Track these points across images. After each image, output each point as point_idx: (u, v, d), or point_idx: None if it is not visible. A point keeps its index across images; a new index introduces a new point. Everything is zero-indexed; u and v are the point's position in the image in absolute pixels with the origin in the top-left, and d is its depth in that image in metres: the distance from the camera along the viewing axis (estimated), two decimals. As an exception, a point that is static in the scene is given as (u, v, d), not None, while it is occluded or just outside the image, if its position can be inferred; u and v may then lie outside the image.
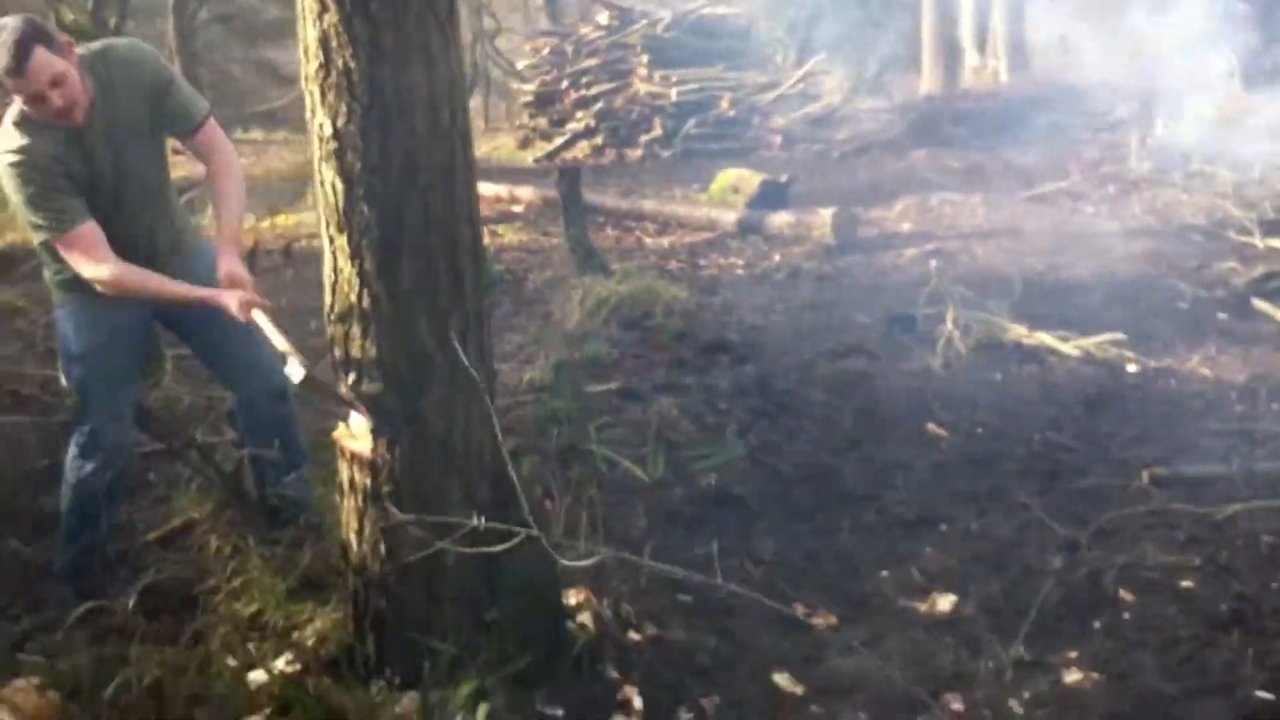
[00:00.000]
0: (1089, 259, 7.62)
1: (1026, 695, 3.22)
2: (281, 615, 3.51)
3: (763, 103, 15.07)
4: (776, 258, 8.21)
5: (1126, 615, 3.58)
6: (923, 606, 3.71)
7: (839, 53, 20.79)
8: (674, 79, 14.95)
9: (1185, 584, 3.73)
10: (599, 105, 15.62)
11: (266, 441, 4.02)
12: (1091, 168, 10.50)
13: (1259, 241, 7.77)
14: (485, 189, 8.67)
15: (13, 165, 3.43)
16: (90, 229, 3.49)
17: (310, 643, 3.36)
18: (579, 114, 15.91)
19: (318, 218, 3.05)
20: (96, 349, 3.72)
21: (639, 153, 14.89)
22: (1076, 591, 3.71)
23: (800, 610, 3.67)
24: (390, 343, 3.00)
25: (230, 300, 3.51)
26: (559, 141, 16.02)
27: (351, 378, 3.06)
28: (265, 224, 10.01)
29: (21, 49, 3.28)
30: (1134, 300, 6.65)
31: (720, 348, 6.16)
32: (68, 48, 3.40)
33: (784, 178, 10.13)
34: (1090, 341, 5.73)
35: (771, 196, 9.55)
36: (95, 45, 3.60)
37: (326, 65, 2.83)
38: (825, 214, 8.34)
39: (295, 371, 3.17)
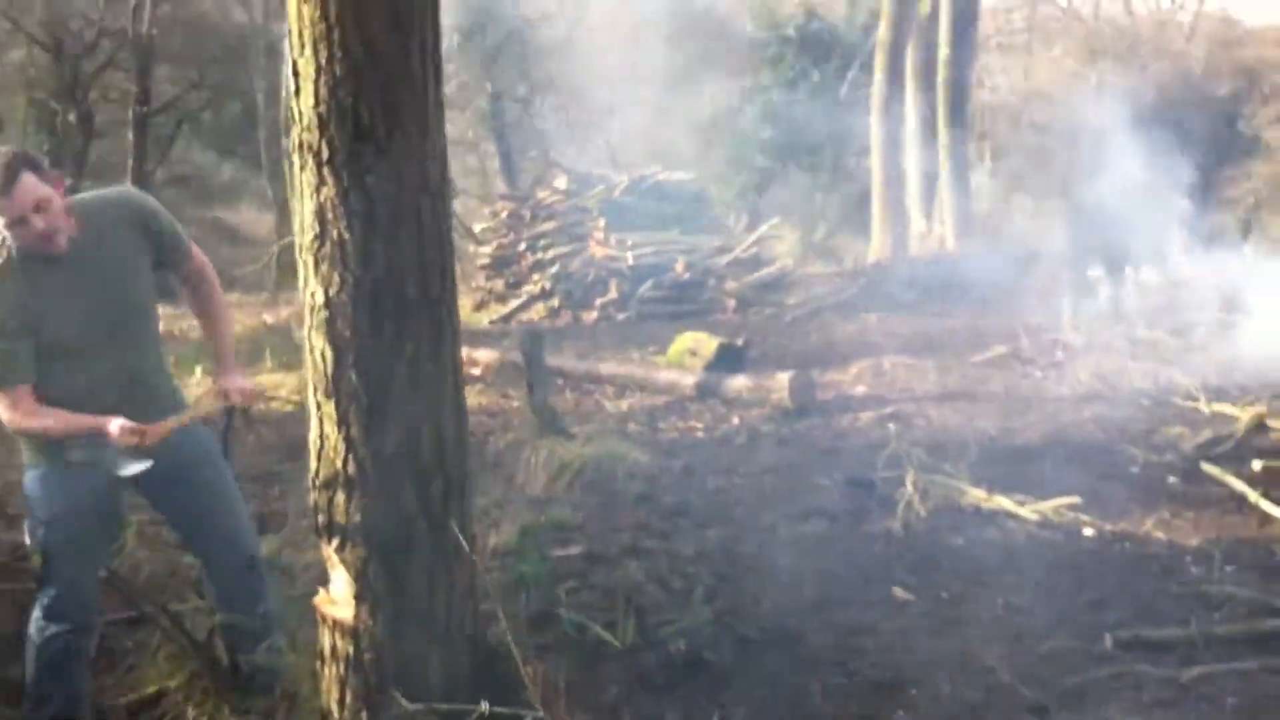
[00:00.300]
0: (1041, 423, 7.78)
1: None
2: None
3: (717, 266, 15.35)
4: (735, 420, 8.32)
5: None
6: (897, 773, 3.72)
7: (788, 218, 21.37)
8: (630, 242, 15.22)
9: (1154, 748, 3.77)
10: (555, 268, 15.86)
11: (237, 609, 4.01)
12: (1037, 333, 10.73)
13: (1204, 407, 7.96)
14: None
15: None
16: (26, 391, 3.57)
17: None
18: (535, 276, 16.14)
19: (304, 383, 3.11)
20: (65, 513, 3.71)
21: (595, 315, 15.08)
22: (1049, 756, 3.74)
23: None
24: (374, 508, 3.04)
25: (112, 427, 3.54)
26: (515, 304, 16.21)
27: (335, 543, 3.09)
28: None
29: (9, 171, 3.38)
30: (1087, 464, 6.77)
31: (683, 511, 6.21)
32: (58, 181, 3.52)
33: (740, 341, 10.30)
34: (1047, 506, 5.83)
35: (728, 359, 9.69)
36: (87, 194, 3.71)
37: (321, 237, 2.93)
38: (783, 378, 8.47)
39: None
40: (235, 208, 32.09)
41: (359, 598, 3.08)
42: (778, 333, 12.90)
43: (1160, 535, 5.66)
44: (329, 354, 2.98)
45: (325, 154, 2.88)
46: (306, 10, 2.84)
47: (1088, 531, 5.70)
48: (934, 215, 18.67)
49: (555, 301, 15.78)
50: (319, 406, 3.04)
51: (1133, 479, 6.58)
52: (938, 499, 6.01)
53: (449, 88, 16.83)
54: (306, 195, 2.93)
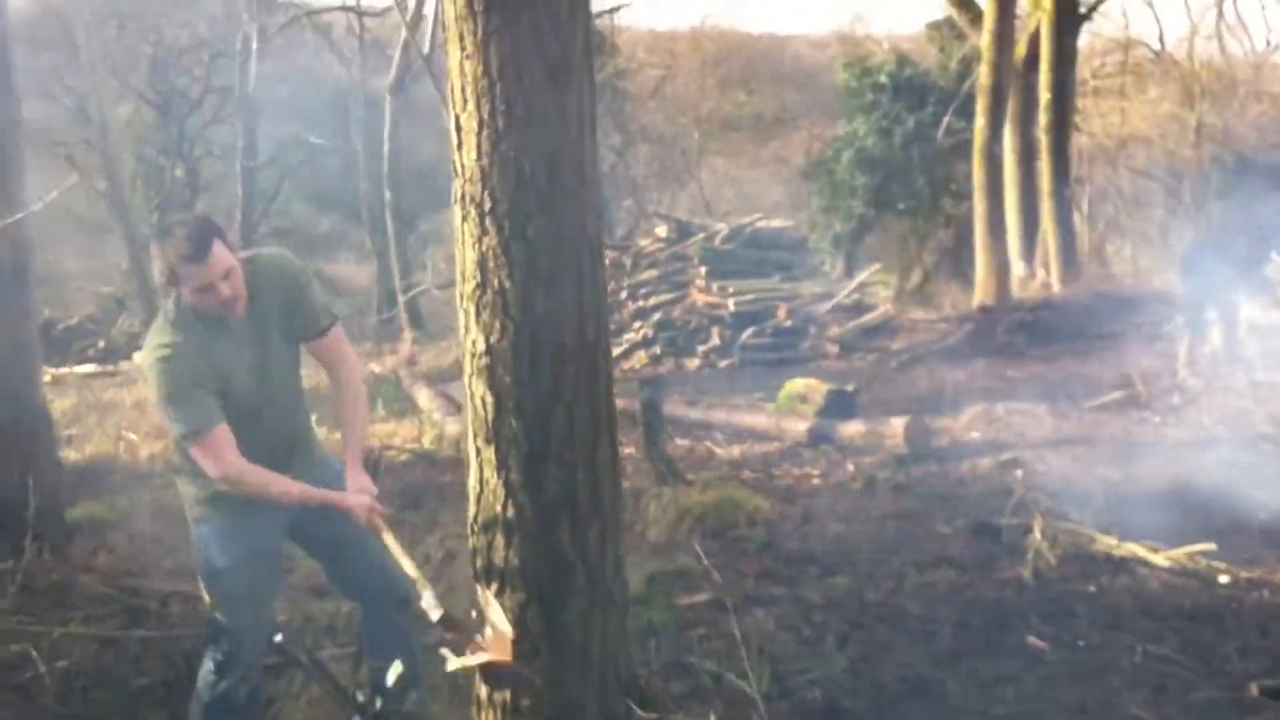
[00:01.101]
0: (1164, 469, 7.64)
1: None
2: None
3: (818, 313, 15.32)
4: (850, 467, 8.27)
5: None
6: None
7: (884, 265, 21.29)
8: (731, 289, 15.26)
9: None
10: (657, 315, 15.92)
11: (386, 651, 4.06)
12: (1152, 377, 10.55)
13: (1335, 451, 7.78)
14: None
15: (161, 360, 3.59)
16: (223, 430, 3.59)
17: None
18: (637, 324, 16.21)
19: (464, 431, 3.16)
20: (240, 565, 3.79)
21: (697, 362, 15.12)
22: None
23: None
24: (533, 553, 3.08)
25: (354, 502, 3.61)
26: (617, 351, 16.28)
27: (494, 587, 3.12)
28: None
29: (204, 239, 3.49)
30: (1214, 511, 6.64)
31: (807, 559, 6.19)
32: (235, 246, 3.61)
33: (850, 387, 10.26)
34: (1181, 552, 5.73)
35: (839, 405, 9.65)
36: (244, 252, 3.79)
37: (483, 285, 2.98)
38: (898, 423, 8.42)
39: (432, 609, 3.25)
40: (335, 259, 32.68)
41: (517, 642, 3.10)
42: (884, 379, 12.82)
43: (1299, 582, 5.53)
44: (489, 400, 3.03)
45: (488, 205, 2.94)
46: (469, 66, 2.91)
47: (1223, 579, 5.58)
48: (1035, 259, 18.48)
49: (658, 349, 15.83)
50: (479, 452, 3.08)
51: (1264, 526, 6.43)
52: (1066, 546, 5.92)
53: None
54: (469, 245, 2.99)
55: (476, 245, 2.97)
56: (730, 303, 15.20)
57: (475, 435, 3.08)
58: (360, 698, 4.11)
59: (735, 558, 6.29)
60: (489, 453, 3.06)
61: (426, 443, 10.17)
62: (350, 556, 4.02)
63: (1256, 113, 28.68)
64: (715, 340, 15.15)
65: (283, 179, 31.64)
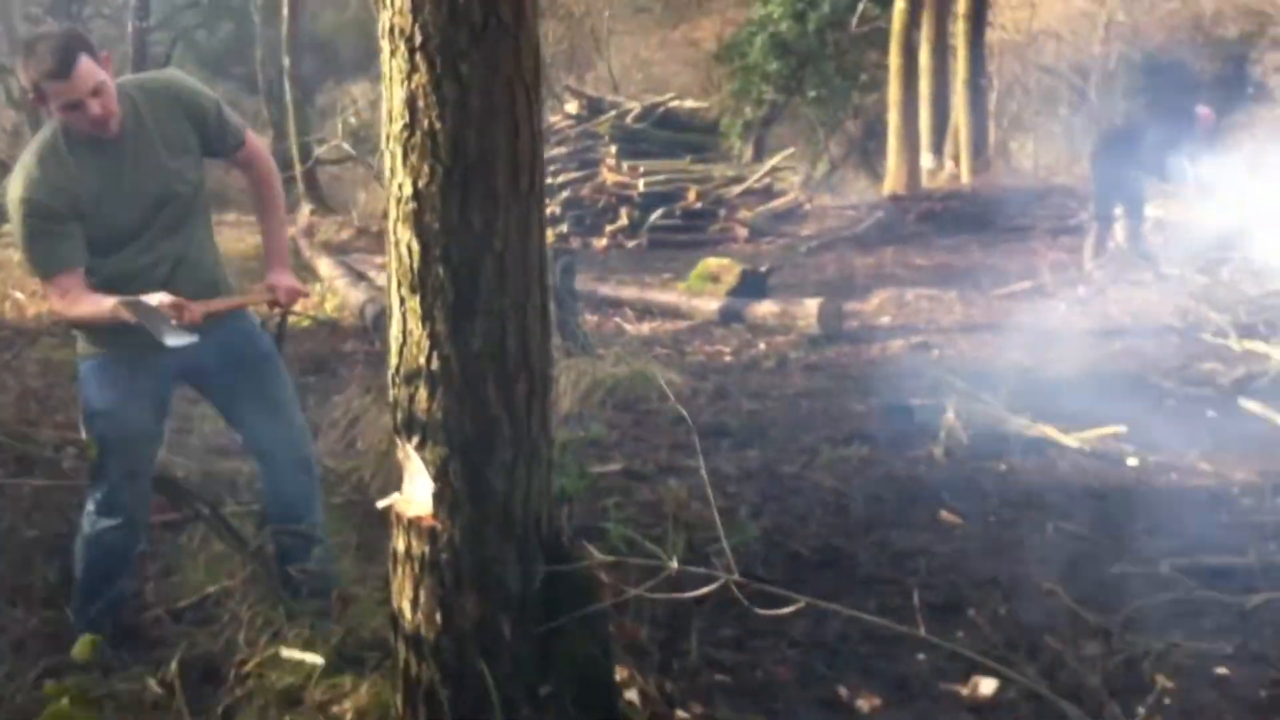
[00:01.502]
0: (1072, 356, 7.72)
1: (1081, 779, 3.20)
2: (318, 689, 3.42)
3: (728, 196, 15.23)
4: (762, 346, 8.25)
5: (1168, 701, 3.57)
6: (964, 690, 3.68)
7: (792, 152, 21.20)
8: (642, 169, 15.09)
9: (1220, 670, 3.73)
10: (565, 194, 15.72)
11: (290, 510, 3.96)
12: (1059, 269, 10.65)
13: (1235, 344, 7.90)
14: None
15: (21, 200, 3.42)
16: (74, 276, 3.47)
17: (349, 717, 3.28)
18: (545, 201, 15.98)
19: (388, 280, 3.03)
20: (117, 405, 3.64)
21: (604, 242, 14.99)
22: (1114, 677, 3.69)
23: (844, 692, 3.64)
24: (458, 406, 2.96)
25: (152, 299, 3.45)
26: (523, 228, 16.05)
27: (415, 440, 3.01)
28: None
29: (68, 53, 3.28)
30: (1122, 397, 6.71)
31: (720, 432, 6.17)
32: (106, 60, 3.41)
33: (764, 268, 10.22)
34: (1092, 434, 5.79)
35: (750, 286, 9.61)
36: (130, 77, 3.61)
37: (411, 126, 2.82)
38: (811, 304, 8.41)
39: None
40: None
41: (438, 496, 3.00)
42: (792, 264, 12.81)
43: (1206, 466, 5.62)
44: (415, 247, 2.88)
45: (418, 40, 2.76)
46: (401, -110, 2.72)
47: (1132, 461, 5.65)
48: (944, 151, 18.52)
49: (564, 228, 15.66)
50: (402, 301, 2.94)
51: (1170, 412, 6.53)
52: (978, 426, 5.95)
53: None
54: (396, 83, 2.82)
55: (405, 83, 2.79)
56: (640, 183, 15.07)
57: (399, 284, 2.93)
58: (261, 553, 4.02)
59: (648, 430, 6.25)
60: (414, 302, 2.92)
61: (329, 309, 9.99)
62: (253, 413, 3.89)
63: (1166, 11, 28.82)
64: (623, 220, 15.02)
65: (175, 42, 30.59)
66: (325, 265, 12.35)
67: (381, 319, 8.49)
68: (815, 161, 26.85)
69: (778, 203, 15.39)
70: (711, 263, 10.41)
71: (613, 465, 5.59)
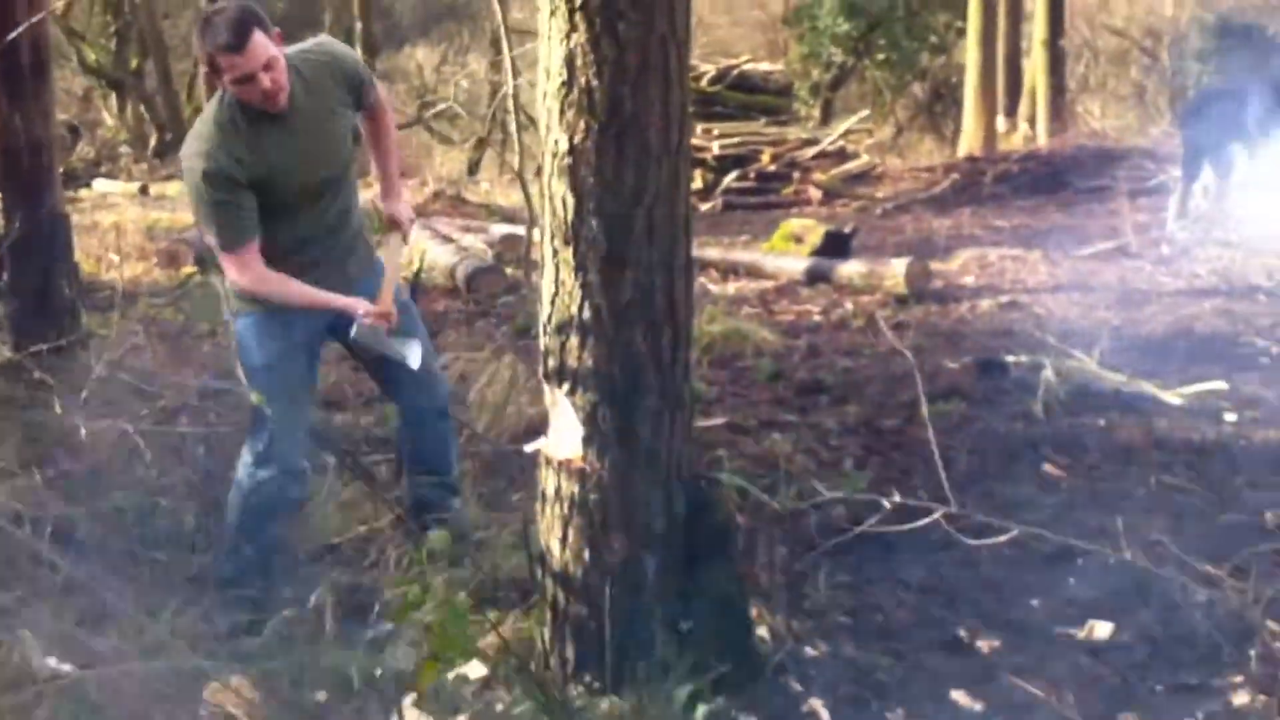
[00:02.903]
0: (1162, 315, 7.75)
1: (1200, 715, 3.31)
2: (464, 625, 3.58)
3: (802, 159, 15.26)
4: (849, 305, 8.33)
5: (1278, 645, 3.67)
6: (1080, 633, 3.80)
7: (866, 114, 21.12)
8: (716, 132, 15.15)
9: (1329, 618, 3.82)
10: (639, 156, 15.81)
11: (429, 459, 4.12)
12: (1141, 229, 10.63)
13: (1324, 303, 7.90)
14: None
15: (198, 169, 3.55)
16: (253, 247, 3.62)
17: (494, 652, 3.44)
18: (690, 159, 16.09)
19: (540, 233, 3.16)
20: (278, 359, 3.80)
21: (680, 204, 15.07)
22: (1225, 622, 3.79)
23: (964, 634, 3.77)
24: (607, 354, 3.11)
25: (360, 309, 3.73)
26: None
27: (565, 387, 3.16)
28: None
29: (243, 27, 3.41)
30: (1216, 354, 6.76)
31: (818, 388, 6.28)
32: (278, 36, 3.55)
33: (848, 228, 10.29)
34: (1191, 390, 5.84)
35: (834, 246, 9.69)
36: (291, 48, 3.73)
37: (569, 83, 2.96)
38: (898, 264, 8.48)
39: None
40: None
41: (587, 440, 3.15)
42: (869, 225, 12.84)
43: (1304, 423, 5.67)
44: (570, 200, 3.02)
45: (577, 0, 2.90)
46: None
47: (1229, 417, 5.70)
48: (1019, 112, 18.42)
49: (639, 190, 15.75)
50: (555, 253, 3.08)
51: (1266, 369, 6.55)
52: (1074, 383, 6.02)
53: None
54: (555, 41, 2.96)
55: (564, 41, 2.93)
56: (715, 145, 15.12)
57: (553, 236, 3.07)
58: (400, 503, 4.20)
59: (746, 386, 6.38)
60: (566, 254, 3.06)
61: (416, 270, 10.14)
62: (394, 363, 4.04)
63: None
64: (698, 183, 15.08)
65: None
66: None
67: (473, 278, 8.66)
68: (881, 124, 26.69)
69: (852, 165, 15.41)
70: (794, 223, 10.48)
71: (716, 420, 5.71)
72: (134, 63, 26.38)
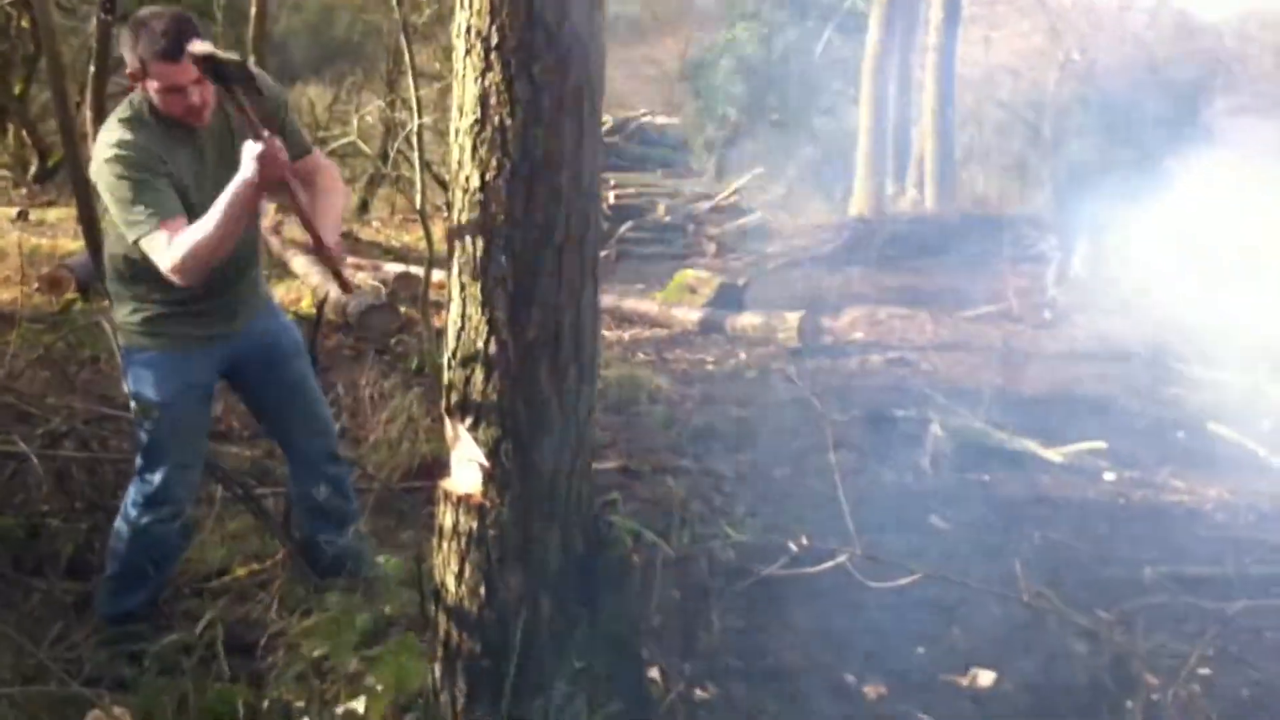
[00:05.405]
0: (1044, 376, 7.97)
1: (1081, 766, 3.39)
2: (351, 659, 3.55)
3: (698, 212, 15.42)
4: (743, 356, 8.43)
5: (1155, 697, 3.77)
6: (964, 681, 3.87)
7: (760, 171, 21.41)
8: (612, 182, 15.25)
9: (1204, 671, 3.94)
10: (535, 203, 15.84)
11: (321, 500, 4.05)
12: (1023, 294, 10.92)
13: (1199, 369, 8.17)
14: (437, 275, 8.70)
15: (118, 157, 3.38)
16: (181, 222, 3.40)
17: (383, 687, 3.41)
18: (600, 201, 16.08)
19: (449, 267, 3.16)
20: (174, 398, 3.67)
21: (574, 252, 15.12)
22: (1104, 674, 3.89)
23: (850, 679, 3.82)
24: (512, 390, 3.11)
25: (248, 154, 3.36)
26: (494, 236, 16.15)
27: (468, 422, 3.16)
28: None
29: (182, 37, 3.28)
30: (1094, 416, 6.96)
31: (712, 435, 6.33)
32: None
33: (741, 280, 10.41)
34: (1072, 449, 6.01)
35: (728, 298, 9.80)
36: None
37: (483, 121, 2.97)
38: (792, 317, 8.60)
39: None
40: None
41: (488, 475, 3.14)
42: (760, 280, 12.98)
43: (1179, 484, 5.85)
44: (479, 237, 3.03)
45: (494, 40, 2.92)
46: (485, -102, 2.88)
47: (1109, 475, 5.88)
48: (907, 176, 18.82)
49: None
50: (463, 288, 3.08)
51: (1141, 432, 6.77)
52: (960, 439, 6.15)
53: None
54: (470, 80, 2.97)
55: (479, 80, 2.95)
56: (610, 195, 15.21)
57: (461, 271, 3.08)
58: (295, 535, 4.14)
59: (640, 432, 6.41)
60: (474, 289, 3.06)
61: (305, 306, 10.06)
62: (286, 406, 3.97)
63: (1121, 53, 29.34)
64: (594, 231, 15.16)
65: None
66: (299, 262, 12.35)
67: (365, 316, 8.60)
68: (773, 181, 27.06)
69: (746, 219, 15.60)
70: (689, 274, 10.59)
71: (610, 463, 5.73)
72: (18, 88, 25.79)
